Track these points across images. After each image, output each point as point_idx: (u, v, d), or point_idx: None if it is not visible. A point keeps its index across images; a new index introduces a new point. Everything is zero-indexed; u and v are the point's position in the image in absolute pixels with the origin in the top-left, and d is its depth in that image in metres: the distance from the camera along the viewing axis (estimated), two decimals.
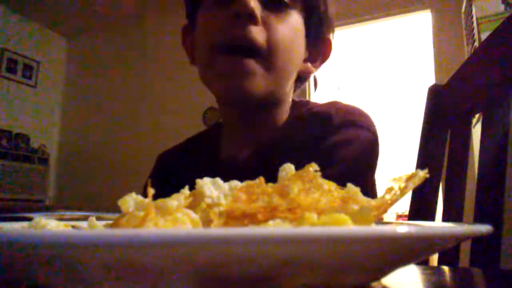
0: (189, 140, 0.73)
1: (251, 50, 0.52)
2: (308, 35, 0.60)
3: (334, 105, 0.62)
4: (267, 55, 0.53)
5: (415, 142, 0.79)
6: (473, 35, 1.86)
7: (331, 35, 0.65)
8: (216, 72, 0.55)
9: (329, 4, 0.62)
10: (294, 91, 0.65)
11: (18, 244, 0.15)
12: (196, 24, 0.60)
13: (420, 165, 0.68)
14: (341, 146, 0.55)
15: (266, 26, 0.53)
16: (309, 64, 0.63)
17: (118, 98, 4.12)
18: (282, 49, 0.54)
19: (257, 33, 0.52)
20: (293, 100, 0.65)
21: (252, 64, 0.52)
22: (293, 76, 0.60)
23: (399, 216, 3.69)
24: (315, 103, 0.66)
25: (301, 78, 0.64)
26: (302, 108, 0.63)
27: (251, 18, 0.51)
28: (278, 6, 0.55)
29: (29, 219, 0.29)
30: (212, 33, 0.55)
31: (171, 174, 0.66)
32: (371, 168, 0.58)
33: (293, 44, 0.56)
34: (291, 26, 0.56)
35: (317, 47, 0.64)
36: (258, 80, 0.53)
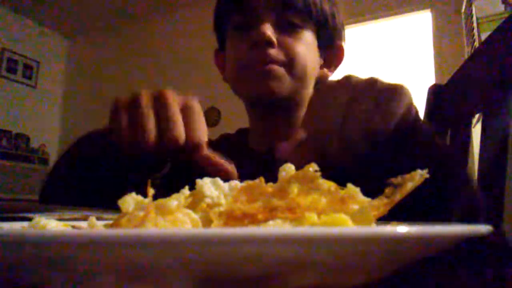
0: (222, 135, 0.78)
1: (274, 63, 0.60)
2: (320, 45, 0.67)
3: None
4: (288, 66, 0.61)
5: None
6: (473, 35, 1.86)
7: (342, 42, 0.72)
8: (245, 80, 0.63)
9: (337, 17, 0.69)
10: None
11: (18, 244, 0.15)
12: (225, 47, 0.70)
13: None
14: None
15: (283, 46, 0.61)
16: (325, 70, 0.70)
17: None
18: (299, 62, 0.62)
19: (276, 53, 0.60)
20: None
21: (276, 67, 0.60)
22: (312, 82, 0.67)
23: None
24: None
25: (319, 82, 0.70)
26: None
27: (269, 43, 0.59)
28: (291, 28, 0.62)
29: (29, 219, 0.29)
30: (237, 56, 0.64)
31: None
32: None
33: (308, 57, 0.64)
34: (305, 43, 0.63)
35: (330, 54, 0.70)
36: (283, 82, 0.61)
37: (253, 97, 0.65)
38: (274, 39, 0.59)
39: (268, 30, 0.59)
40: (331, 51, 0.70)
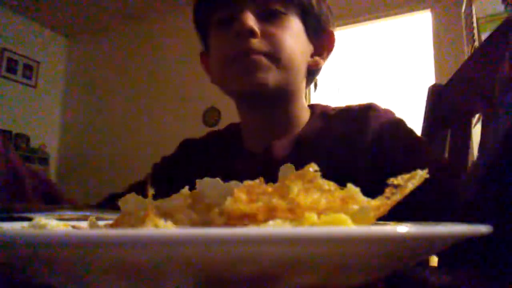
0: (210, 133, 0.76)
1: (258, 54, 0.59)
2: (309, 32, 0.65)
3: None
4: (273, 56, 0.59)
5: None
6: (473, 35, 1.86)
7: (331, 28, 0.69)
8: (231, 75, 0.61)
9: (322, 3, 0.67)
10: (307, 86, 0.69)
11: (18, 244, 0.15)
12: (209, 47, 0.68)
13: None
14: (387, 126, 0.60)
15: (267, 36, 0.59)
16: (317, 58, 0.67)
17: (118, 98, 4.12)
18: (285, 51, 0.59)
19: (259, 43, 0.58)
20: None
21: (261, 58, 0.58)
22: (302, 70, 0.64)
23: None
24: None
25: (312, 72, 0.68)
26: (325, 108, 0.68)
27: (251, 33, 0.58)
28: (274, 16, 0.61)
29: (29, 219, 0.29)
30: (221, 50, 0.62)
31: (194, 161, 0.70)
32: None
33: (295, 45, 0.61)
34: (290, 29, 0.61)
35: (320, 41, 0.68)
36: (270, 73, 0.59)
37: (241, 91, 0.62)
38: (256, 28, 0.58)
39: (250, 19, 0.58)
40: (321, 38, 0.68)
